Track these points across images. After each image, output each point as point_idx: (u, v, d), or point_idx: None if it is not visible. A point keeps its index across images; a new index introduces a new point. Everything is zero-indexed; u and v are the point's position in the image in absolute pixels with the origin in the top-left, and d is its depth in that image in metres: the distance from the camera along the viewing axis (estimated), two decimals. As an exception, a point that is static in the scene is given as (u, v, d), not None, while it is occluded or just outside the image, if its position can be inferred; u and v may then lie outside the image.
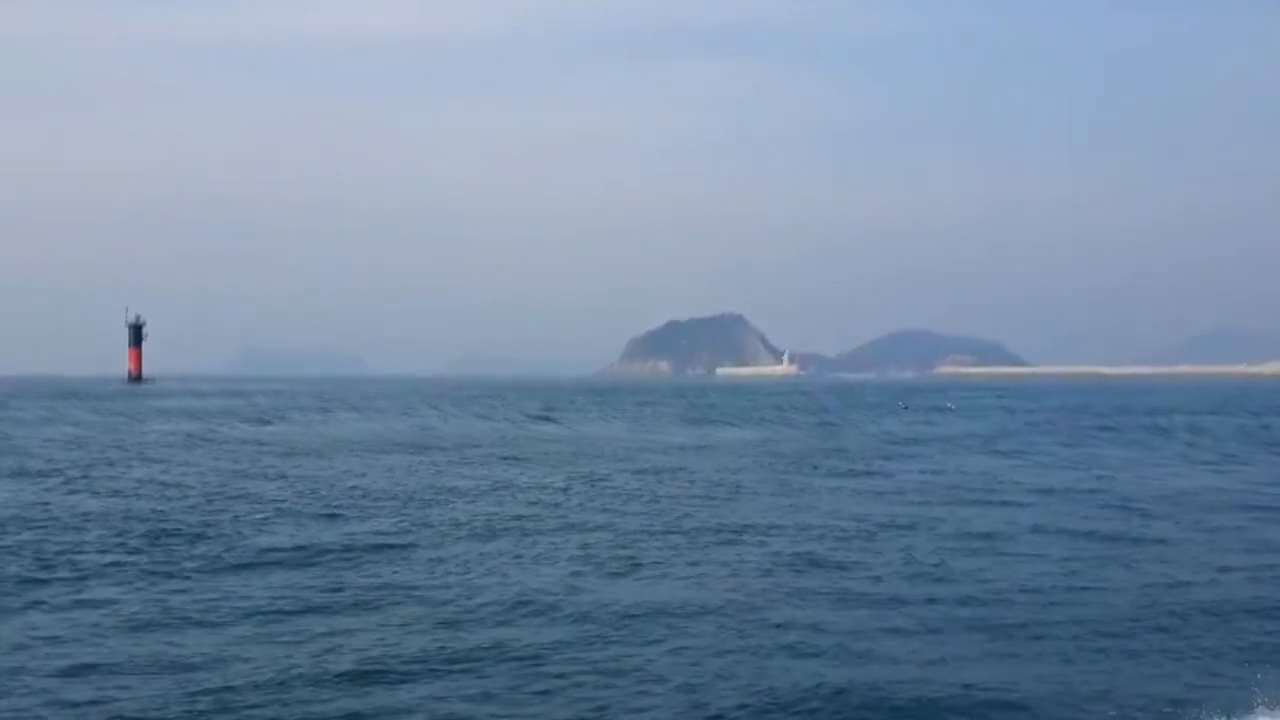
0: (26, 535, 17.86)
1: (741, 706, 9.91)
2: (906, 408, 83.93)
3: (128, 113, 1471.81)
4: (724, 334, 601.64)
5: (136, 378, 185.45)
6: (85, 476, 28.35)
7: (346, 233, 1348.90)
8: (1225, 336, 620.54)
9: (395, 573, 15.70)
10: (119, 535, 18.41)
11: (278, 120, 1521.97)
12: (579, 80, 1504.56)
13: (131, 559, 16.31)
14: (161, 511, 21.37)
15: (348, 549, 17.48)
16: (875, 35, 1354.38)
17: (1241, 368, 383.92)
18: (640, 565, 16.40)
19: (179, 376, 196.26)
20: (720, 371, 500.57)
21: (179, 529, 19.29)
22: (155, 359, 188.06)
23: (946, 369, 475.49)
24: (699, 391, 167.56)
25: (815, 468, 31.96)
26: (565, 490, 26.39)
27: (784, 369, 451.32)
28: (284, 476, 28.92)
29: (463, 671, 10.85)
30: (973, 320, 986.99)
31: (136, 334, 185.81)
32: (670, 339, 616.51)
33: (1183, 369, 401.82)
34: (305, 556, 16.89)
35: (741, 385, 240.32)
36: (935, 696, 10.18)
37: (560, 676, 10.67)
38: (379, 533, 19.24)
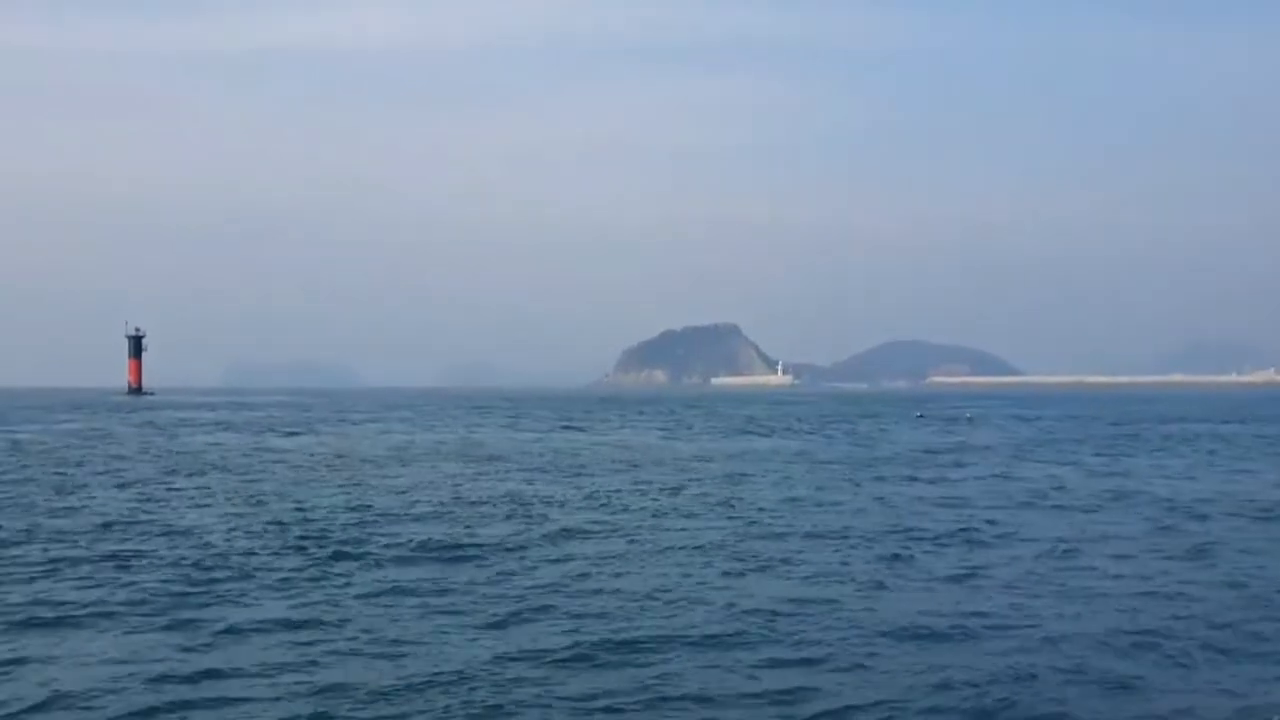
0: (198, 549, 18.45)
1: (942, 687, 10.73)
2: (922, 416, 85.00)
3: (111, 122, 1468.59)
4: (718, 344, 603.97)
5: (137, 389, 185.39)
6: (179, 488, 29.04)
7: (335, 244, 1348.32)
8: (1213, 347, 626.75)
9: (562, 567, 16.58)
10: (295, 542, 19.11)
11: (268, 128, 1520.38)
12: (574, 90, 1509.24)
13: (328, 564, 16.99)
14: (301, 519, 22.05)
15: (493, 548, 18.29)
16: (870, 49, 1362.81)
17: (1231, 377, 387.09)
18: (780, 563, 17.24)
19: (171, 389, 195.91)
20: (715, 381, 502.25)
21: (330, 533, 20.10)
22: (145, 371, 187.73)
23: (939, 379, 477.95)
24: (708, 401, 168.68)
25: (880, 477, 32.75)
26: (646, 494, 27.25)
27: (779, 379, 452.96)
28: (372, 484, 29.66)
29: (691, 646, 11.87)
30: (964, 330, 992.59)
31: (137, 346, 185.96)
32: (665, 349, 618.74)
33: (1173, 378, 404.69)
34: (461, 554, 17.75)
35: (741, 395, 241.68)
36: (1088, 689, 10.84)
37: (748, 654, 11.54)
38: (516, 534, 20.06)
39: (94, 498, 26.24)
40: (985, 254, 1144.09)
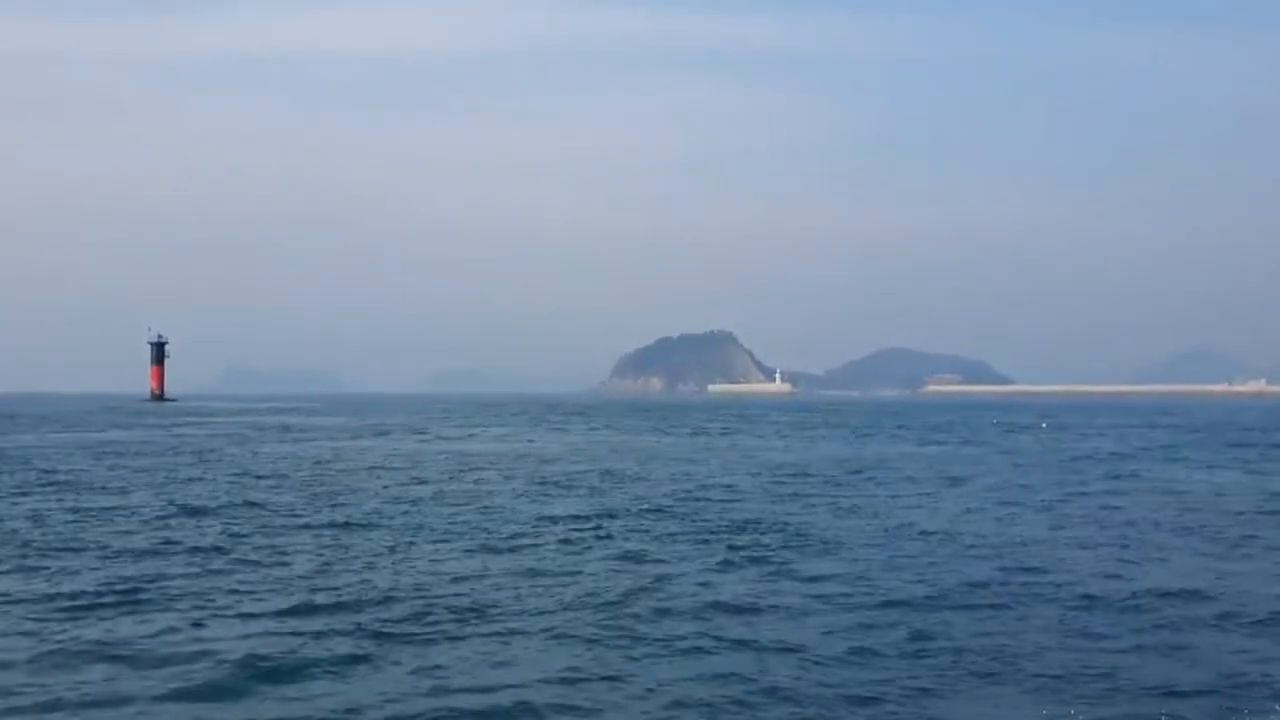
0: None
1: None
2: (997, 423, 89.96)
3: (102, 127, 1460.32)
4: (714, 351, 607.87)
5: (159, 396, 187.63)
6: (358, 489, 32.65)
7: (327, 250, 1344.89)
8: (1202, 357, 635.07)
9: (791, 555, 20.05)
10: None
11: (261, 134, 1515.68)
12: (568, 96, 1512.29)
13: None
14: (485, 511, 25.91)
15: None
16: (864, 59, 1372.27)
17: (1222, 387, 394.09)
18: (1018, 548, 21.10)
19: (175, 395, 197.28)
20: (713, 389, 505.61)
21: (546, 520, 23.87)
22: (140, 378, 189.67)
23: (935, 387, 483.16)
24: (738, 407, 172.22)
25: (1059, 483, 36.55)
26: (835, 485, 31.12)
27: (778, 387, 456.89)
28: (505, 490, 32.94)
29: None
30: (956, 339, 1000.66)
31: (159, 352, 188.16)
32: (662, 356, 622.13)
33: (1164, 388, 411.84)
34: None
35: (744, 402, 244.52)
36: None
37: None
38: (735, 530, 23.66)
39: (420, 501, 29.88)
40: (975, 263, 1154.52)
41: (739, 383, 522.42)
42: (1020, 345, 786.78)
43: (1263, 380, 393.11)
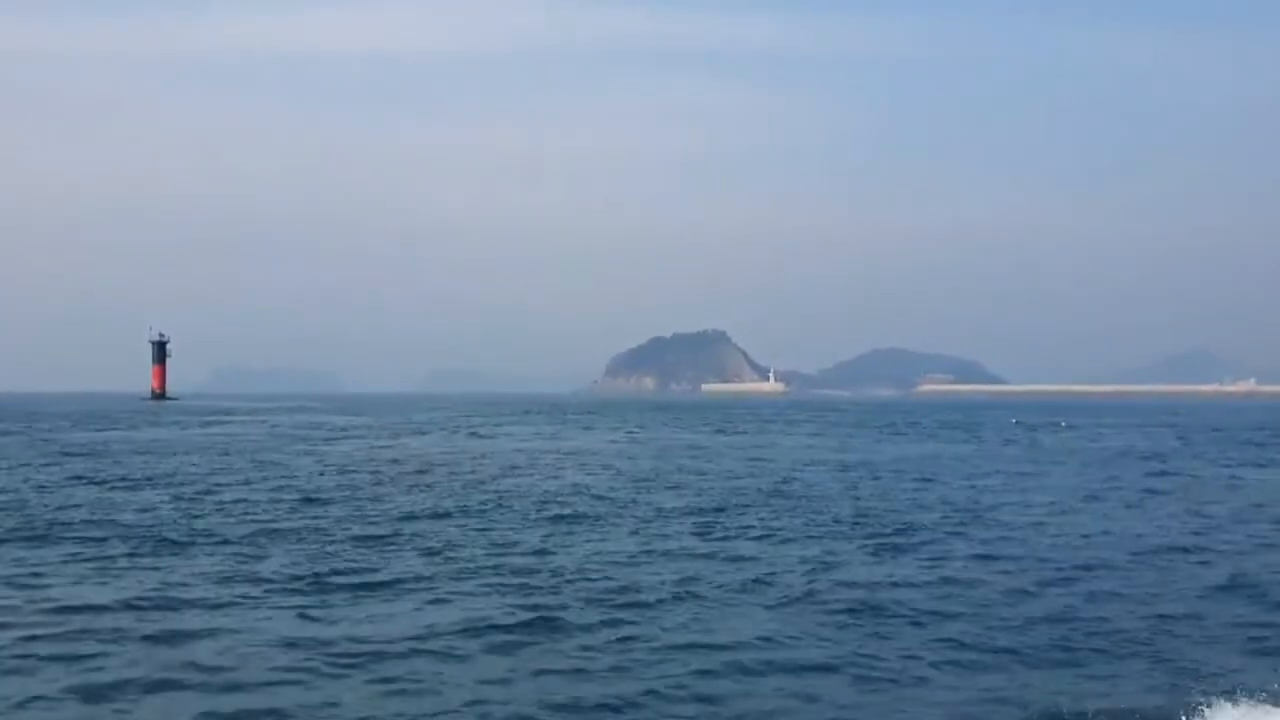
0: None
1: None
2: (1017, 422, 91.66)
3: (96, 126, 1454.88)
4: (707, 351, 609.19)
5: (160, 395, 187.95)
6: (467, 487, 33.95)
7: (319, 250, 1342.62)
8: (1194, 357, 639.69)
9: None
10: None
11: (253, 134, 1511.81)
12: (563, 97, 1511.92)
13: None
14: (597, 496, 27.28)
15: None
16: (858, 59, 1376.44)
17: (1213, 387, 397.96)
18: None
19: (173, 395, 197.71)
20: (706, 388, 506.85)
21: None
22: (134, 377, 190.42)
23: (928, 387, 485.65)
24: (742, 407, 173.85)
25: (1121, 479, 38.02)
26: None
27: (771, 386, 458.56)
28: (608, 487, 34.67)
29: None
30: (947, 339, 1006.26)
31: (160, 351, 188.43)
32: (655, 355, 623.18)
33: (1156, 388, 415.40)
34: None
35: (742, 402, 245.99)
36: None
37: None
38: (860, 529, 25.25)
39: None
40: (968, 263, 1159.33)
41: (732, 382, 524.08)
42: (1012, 345, 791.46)
43: (1253, 380, 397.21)
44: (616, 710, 10.84)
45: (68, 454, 47.01)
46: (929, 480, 35.74)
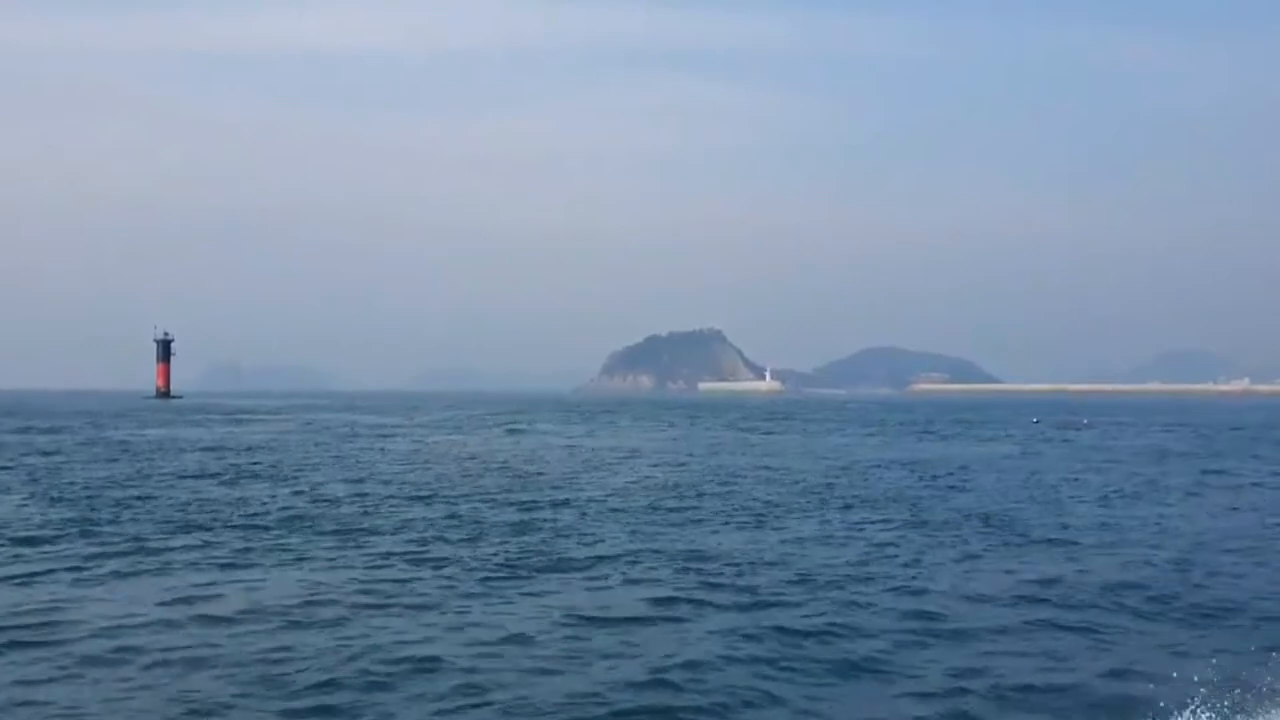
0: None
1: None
2: (1038, 421, 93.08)
3: (93, 120, 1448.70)
4: (703, 349, 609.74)
5: (165, 393, 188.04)
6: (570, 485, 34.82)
7: (312, 248, 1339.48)
8: (1187, 356, 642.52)
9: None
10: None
11: (251, 130, 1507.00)
12: (559, 95, 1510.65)
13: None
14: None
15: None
16: (855, 59, 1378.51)
17: (1208, 386, 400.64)
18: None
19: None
20: (703, 387, 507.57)
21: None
22: (128, 375, 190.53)
23: (922, 386, 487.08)
24: (744, 407, 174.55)
25: (1169, 477, 38.95)
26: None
27: (767, 385, 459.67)
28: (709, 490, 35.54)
29: None
30: (941, 337, 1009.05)
31: (165, 350, 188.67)
32: (651, 354, 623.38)
33: (1152, 387, 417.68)
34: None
35: (738, 401, 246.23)
36: None
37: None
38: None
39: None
40: (963, 262, 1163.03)
41: (728, 380, 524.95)
42: (1006, 344, 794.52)
43: (1246, 380, 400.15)
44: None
45: (134, 453, 47.50)
46: (1000, 480, 36.65)
